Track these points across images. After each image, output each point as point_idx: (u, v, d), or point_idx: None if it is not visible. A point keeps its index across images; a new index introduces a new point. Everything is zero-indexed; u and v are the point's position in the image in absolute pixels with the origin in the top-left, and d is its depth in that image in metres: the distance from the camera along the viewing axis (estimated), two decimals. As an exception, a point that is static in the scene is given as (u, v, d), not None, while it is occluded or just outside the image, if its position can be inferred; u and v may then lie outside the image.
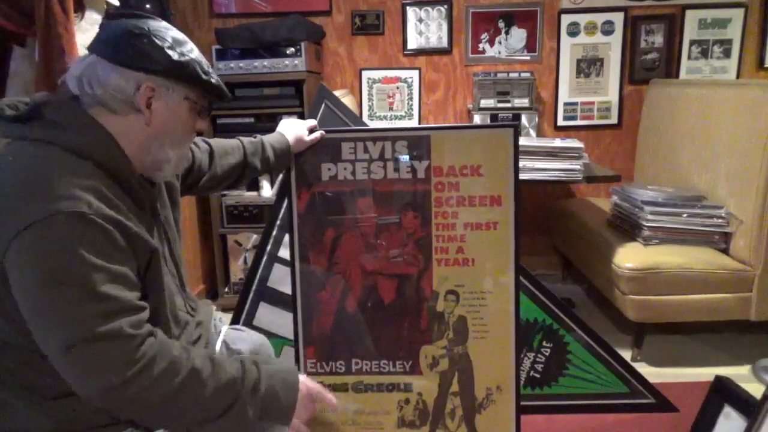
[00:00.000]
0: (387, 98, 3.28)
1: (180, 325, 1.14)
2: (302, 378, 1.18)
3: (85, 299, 0.89)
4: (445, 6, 3.15)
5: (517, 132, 1.45)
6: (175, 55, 0.99)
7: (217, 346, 1.34)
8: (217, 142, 1.42)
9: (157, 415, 0.99)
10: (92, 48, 1.01)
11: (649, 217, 2.30)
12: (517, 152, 1.45)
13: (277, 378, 1.10)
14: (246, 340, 1.40)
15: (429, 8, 3.17)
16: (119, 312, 0.92)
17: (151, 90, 0.99)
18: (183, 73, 1.01)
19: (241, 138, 1.46)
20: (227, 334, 1.39)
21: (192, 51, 1.03)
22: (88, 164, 0.95)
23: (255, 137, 1.47)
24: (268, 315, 1.85)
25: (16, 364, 0.97)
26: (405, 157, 1.48)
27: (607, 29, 3.14)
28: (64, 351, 0.89)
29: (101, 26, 1.05)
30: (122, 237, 0.94)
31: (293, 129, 1.48)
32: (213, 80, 1.06)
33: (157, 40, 0.98)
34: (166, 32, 1.01)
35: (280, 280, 1.83)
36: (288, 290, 1.63)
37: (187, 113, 1.06)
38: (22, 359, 0.97)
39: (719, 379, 1.57)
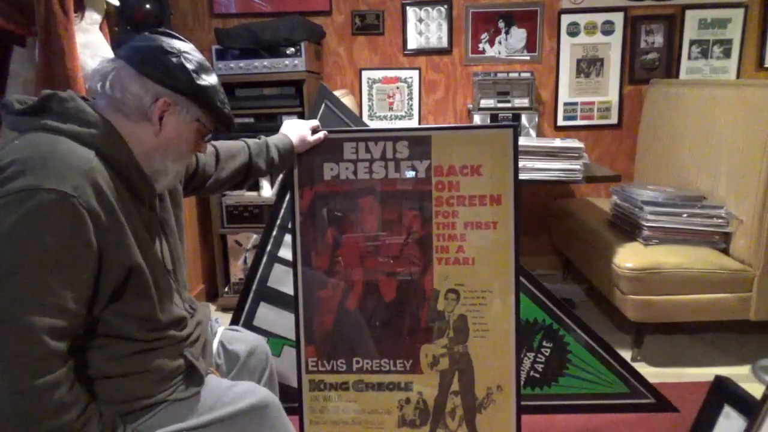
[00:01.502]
0: (387, 98, 3.28)
1: (174, 321, 1.14)
2: None
3: (17, 276, 0.86)
4: (445, 6, 3.15)
5: (517, 132, 1.47)
6: (197, 79, 1.05)
7: (214, 347, 1.34)
8: (222, 145, 1.43)
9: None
10: (122, 54, 1.05)
11: (649, 217, 2.30)
12: (517, 152, 1.47)
13: None
14: (242, 340, 1.40)
15: (429, 8, 3.17)
16: (46, 306, 0.87)
17: (167, 105, 1.04)
18: (201, 96, 1.06)
19: (246, 139, 1.46)
20: (224, 335, 1.39)
21: (213, 79, 1.09)
22: (90, 153, 0.97)
23: (259, 138, 1.47)
24: (268, 315, 1.85)
25: None
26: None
27: (607, 29, 3.14)
28: None
29: (135, 36, 1.09)
30: (95, 234, 0.93)
31: (296, 129, 1.50)
32: (226, 110, 1.11)
33: (185, 62, 1.04)
34: (195, 56, 1.07)
35: (280, 280, 1.83)
36: (288, 290, 1.63)
37: (194, 134, 1.10)
38: None
39: (719, 379, 1.57)
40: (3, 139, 1.03)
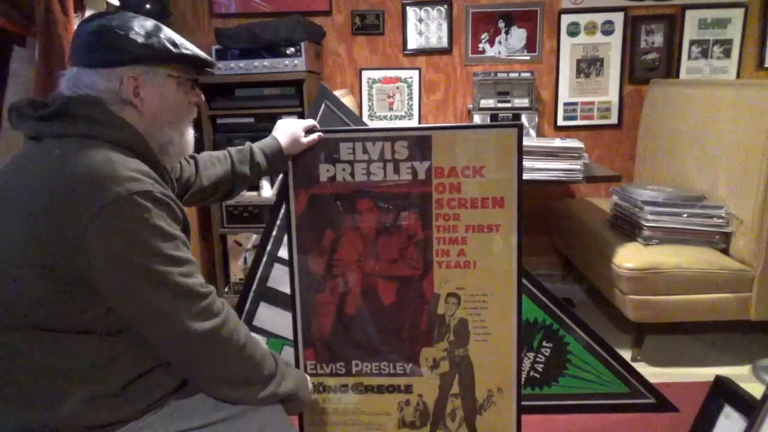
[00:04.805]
0: (387, 98, 3.28)
1: None
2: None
3: (169, 265, 0.96)
4: (445, 6, 3.15)
5: (521, 132, 1.42)
6: (141, 39, 1.02)
7: None
8: (203, 154, 1.41)
9: (230, 368, 1.07)
10: (71, 60, 1.05)
11: (649, 217, 2.30)
12: (521, 153, 1.42)
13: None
14: None
15: (429, 8, 3.16)
16: (195, 272, 1.01)
17: (134, 80, 1.03)
18: (155, 53, 1.03)
19: (230, 148, 1.45)
20: None
21: (159, 30, 1.05)
22: (131, 154, 1.00)
23: (245, 145, 1.46)
24: (268, 315, 1.85)
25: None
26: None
27: (607, 29, 3.14)
28: (165, 311, 0.97)
29: (73, 36, 1.07)
30: (179, 211, 1.03)
31: (287, 130, 1.46)
32: (186, 51, 1.07)
33: (120, 32, 1.01)
34: (130, 21, 1.03)
35: (280, 280, 1.83)
36: (288, 290, 1.62)
37: (176, 90, 1.09)
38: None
39: (719, 379, 1.57)
40: (3, 142, 1.04)
